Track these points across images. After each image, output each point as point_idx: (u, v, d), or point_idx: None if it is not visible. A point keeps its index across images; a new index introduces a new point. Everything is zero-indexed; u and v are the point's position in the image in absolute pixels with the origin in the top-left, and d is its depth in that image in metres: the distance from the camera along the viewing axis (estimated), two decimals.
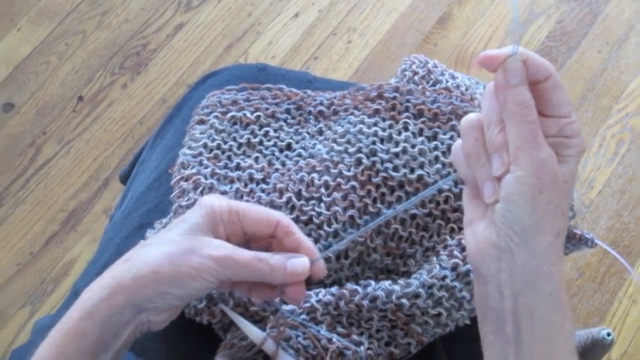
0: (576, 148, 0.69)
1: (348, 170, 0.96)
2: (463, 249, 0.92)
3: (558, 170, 0.67)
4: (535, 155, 0.66)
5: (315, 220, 0.95)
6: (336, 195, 0.95)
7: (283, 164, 1.02)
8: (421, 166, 0.96)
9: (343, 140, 0.99)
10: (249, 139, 1.04)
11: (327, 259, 0.94)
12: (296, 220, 0.94)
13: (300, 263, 0.79)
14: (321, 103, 1.07)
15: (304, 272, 0.80)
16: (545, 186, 0.66)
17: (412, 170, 0.96)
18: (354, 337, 0.89)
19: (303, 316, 0.90)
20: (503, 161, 0.67)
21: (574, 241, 0.97)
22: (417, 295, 0.89)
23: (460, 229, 0.96)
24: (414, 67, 1.09)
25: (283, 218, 0.82)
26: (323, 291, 0.92)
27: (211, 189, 0.98)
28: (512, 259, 0.68)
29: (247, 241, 0.84)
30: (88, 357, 0.74)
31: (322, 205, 0.96)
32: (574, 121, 0.69)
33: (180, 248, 0.76)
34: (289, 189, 0.97)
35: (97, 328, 0.73)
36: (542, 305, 0.68)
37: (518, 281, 0.68)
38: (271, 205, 0.96)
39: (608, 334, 1.54)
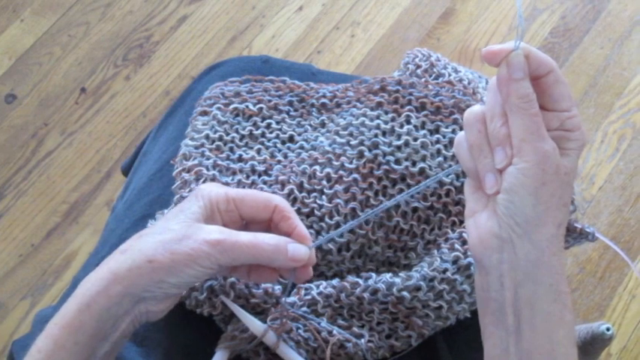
0: (577, 142, 0.70)
1: (350, 163, 0.96)
2: (464, 242, 0.92)
3: (561, 163, 0.68)
4: (539, 147, 0.67)
5: (316, 212, 0.95)
6: (338, 187, 0.95)
7: (285, 156, 1.03)
8: (423, 159, 0.96)
9: (345, 133, 0.99)
10: (251, 130, 1.04)
11: (329, 252, 0.95)
12: (297, 212, 0.94)
13: (300, 249, 0.80)
14: (324, 96, 1.07)
15: (304, 258, 0.80)
16: (548, 178, 0.67)
17: (414, 163, 0.96)
18: (355, 329, 0.89)
19: (304, 309, 0.90)
20: (506, 154, 0.68)
21: (575, 235, 0.97)
22: (418, 288, 0.89)
23: (461, 222, 0.96)
24: (416, 60, 1.09)
25: (281, 202, 0.83)
26: (324, 283, 0.92)
27: (213, 180, 0.98)
28: (514, 250, 0.69)
29: (245, 226, 0.85)
30: (86, 348, 0.74)
31: (324, 197, 0.96)
32: (575, 115, 0.70)
33: (175, 236, 0.76)
34: (291, 181, 0.97)
35: (94, 320, 0.74)
36: (542, 296, 0.69)
37: (519, 272, 0.69)
38: None
39: (608, 329, 1.55)
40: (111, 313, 0.74)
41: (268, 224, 0.84)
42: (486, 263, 0.71)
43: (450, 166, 0.97)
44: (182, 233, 0.76)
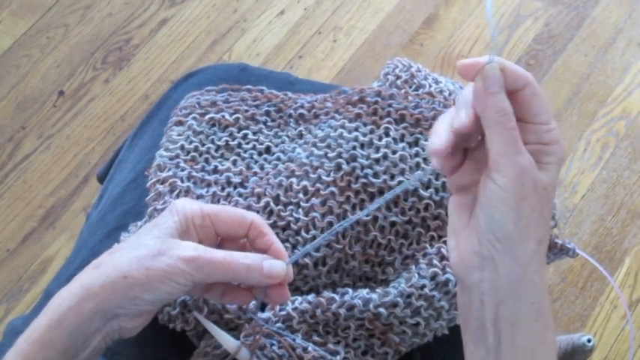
0: (556, 156, 0.69)
1: (328, 175, 0.95)
2: (442, 258, 0.91)
3: (538, 177, 0.67)
4: (516, 161, 0.66)
5: (292, 225, 0.94)
6: (315, 201, 0.94)
7: (262, 168, 1.01)
8: (402, 172, 0.95)
9: (323, 145, 0.97)
10: (227, 141, 1.02)
11: (305, 266, 0.93)
12: (273, 225, 0.93)
13: (277, 265, 0.79)
14: (302, 106, 1.06)
15: (281, 275, 0.79)
16: (527, 192, 0.66)
17: (392, 177, 0.95)
18: (331, 346, 0.88)
19: (279, 325, 0.89)
20: (468, 114, 0.68)
21: (555, 251, 0.97)
22: (395, 305, 0.88)
23: (440, 237, 0.95)
24: (397, 70, 1.08)
25: (256, 218, 0.81)
26: (300, 298, 0.90)
27: (188, 192, 0.97)
28: (495, 268, 0.68)
29: (220, 242, 0.84)
30: None
31: (300, 210, 0.94)
32: (553, 129, 0.69)
33: (149, 251, 0.75)
34: (267, 193, 0.96)
35: (64, 337, 0.72)
36: (523, 315, 0.68)
37: (500, 290, 0.68)
38: (248, 209, 0.95)
39: (589, 340, 1.54)
40: (82, 329, 0.73)
41: (243, 243, 0.84)
42: (467, 282, 0.70)
43: (430, 180, 0.95)
44: (157, 249, 0.75)
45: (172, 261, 0.73)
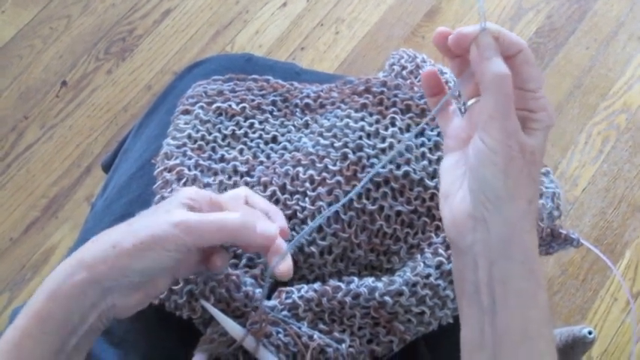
0: (542, 123, 0.72)
1: (334, 165, 0.95)
2: (448, 247, 0.91)
3: (526, 142, 0.70)
4: (505, 125, 0.68)
5: (299, 214, 0.94)
6: (321, 190, 0.94)
7: (268, 157, 1.02)
8: (407, 162, 0.95)
9: (329, 134, 0.98)
10: (234, 130, 1.03)
11: (311, 255, 0.94)
12: None
13: (270, 226, 0.81)
14: (308, 96, 1.06)
15: (273, 234, 0.81)
16: (514, 154, 0.68)
17: (398, 166, 0.95)
18: (336, 334, 0.89)
19: (285, 313, 0.89)
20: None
21: (559, 241, 0.97)
22: (400, 293, 0.88)
23: None
24: (402, 61, 1.08)
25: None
26: (305, 287, 0.91)
27: (195, 180, 0.97)
28: (487, 228, 0.70)
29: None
30: (54, 339, 0.72)
31: (307, 199, 0.95)
32: (540, 97, 0.72)
33: (142, 224, 0.75)
34: (274, 182, 0.96)
35: (61, 309, 0.72)
36: (515, 274, 0.69)
37: (492, 251, 0.70)
38: None
39: (590, 333, 1.54)
40: (79, 303, 0.73)
41: None
42: (461, 245, 0.72)
43: (435, 170, 0.96)
44: (149, 220, 0.76)
45: (159, 226, 0.74)
